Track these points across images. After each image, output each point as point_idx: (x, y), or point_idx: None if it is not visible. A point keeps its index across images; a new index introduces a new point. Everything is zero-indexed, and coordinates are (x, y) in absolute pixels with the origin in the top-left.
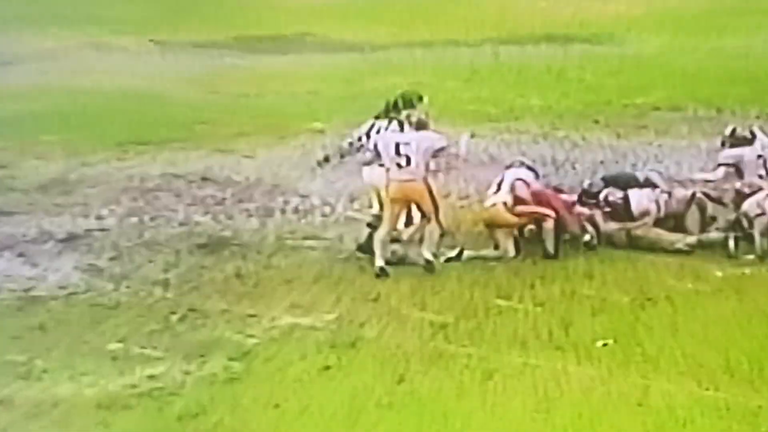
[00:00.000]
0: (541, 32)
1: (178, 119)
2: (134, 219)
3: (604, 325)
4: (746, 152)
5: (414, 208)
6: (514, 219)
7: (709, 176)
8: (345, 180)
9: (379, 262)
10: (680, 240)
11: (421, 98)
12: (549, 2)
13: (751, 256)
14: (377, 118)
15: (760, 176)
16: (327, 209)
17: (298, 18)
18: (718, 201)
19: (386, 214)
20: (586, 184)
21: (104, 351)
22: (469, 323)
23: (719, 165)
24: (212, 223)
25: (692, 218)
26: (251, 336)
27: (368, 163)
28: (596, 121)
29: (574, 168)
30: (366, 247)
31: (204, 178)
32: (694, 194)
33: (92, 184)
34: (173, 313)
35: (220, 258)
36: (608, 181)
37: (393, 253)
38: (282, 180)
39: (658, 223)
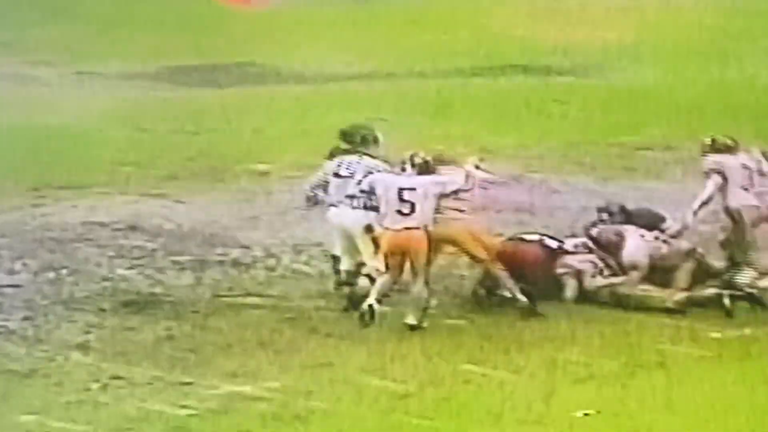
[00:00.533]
0: (519, 62)
1: (101, 160)
2: (51, 274)
3: (589, 395)
4: (730, 159)
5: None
6: (424, 247)
7: (703, 196)
8: (292, 228)
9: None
10: (670, 297)
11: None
12: (528, 29)
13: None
14: (343, 153)
15: (745, 188)
16: (272, 262)
17: (241, 46)
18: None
19: (382, 266)
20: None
21: (16, 424)
22: (435, 393)
23: (705, 173)
24: (140, 278)
25: (685, 271)
26: (185, 407)
27: (334, 204)
28: (580, 163)
29: (552, 216)
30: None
31: (131, 227)
32: (694, 249)
33: (3, 233)
34: (95, 381)
35: (149, 318)
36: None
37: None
38: (220, 229)
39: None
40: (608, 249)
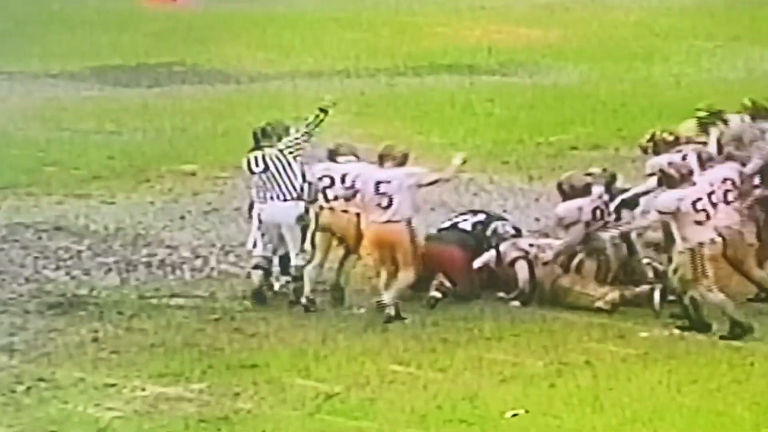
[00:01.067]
0: (443, 61)
1: (22, 161)
2: None
3: (515, 395)
4: (673, 158)
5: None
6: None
7: (641, 189)
8: (219, 229)
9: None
10: (603, 296)
11: (287, 129)
12: (450, 27)
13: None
14: (263, 147)
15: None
16: (198, 262)
17: (166, 46)
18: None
19: (370, 262)
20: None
21: None
22: (361, 393)
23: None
24: (65, 279)
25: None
26: (110, 409)
27: (262, 199)
28: (506, 162)
29: None
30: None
31: (56, 228)
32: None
33: None
34: (19, 383)
35: (74, 319)
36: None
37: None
38: (145, 229)
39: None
40: None
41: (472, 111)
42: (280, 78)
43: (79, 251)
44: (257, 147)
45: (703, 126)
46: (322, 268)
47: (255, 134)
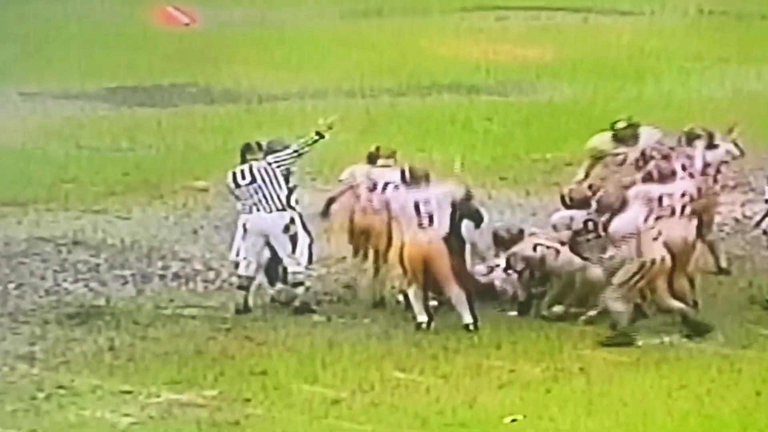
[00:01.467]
0: (444, 81)
1: (41, 177)
2: None
3: (513, 400)
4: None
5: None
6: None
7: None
8: (230, 243)
9: (421, 317)
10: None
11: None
12: (450, 48)
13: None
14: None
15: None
16: (211, 274)
17: (179, 67)
18: None
19: (409, 277)
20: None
21: None
22: (365, 398)
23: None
24: (83, 290)
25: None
26: (126, 415)
27: (248, 210)
28: (503, 178)
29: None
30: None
31: (75, 242)
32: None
33: None
34: (39, 390)
35: (91, 329)
36: None
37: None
38: (160, 243)
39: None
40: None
41: (471, 128)
42: (288, 97)
43: (97, 264)
44: (244, 161)
45: (620, 139)
46: (362, 269)
47: (242, 151)
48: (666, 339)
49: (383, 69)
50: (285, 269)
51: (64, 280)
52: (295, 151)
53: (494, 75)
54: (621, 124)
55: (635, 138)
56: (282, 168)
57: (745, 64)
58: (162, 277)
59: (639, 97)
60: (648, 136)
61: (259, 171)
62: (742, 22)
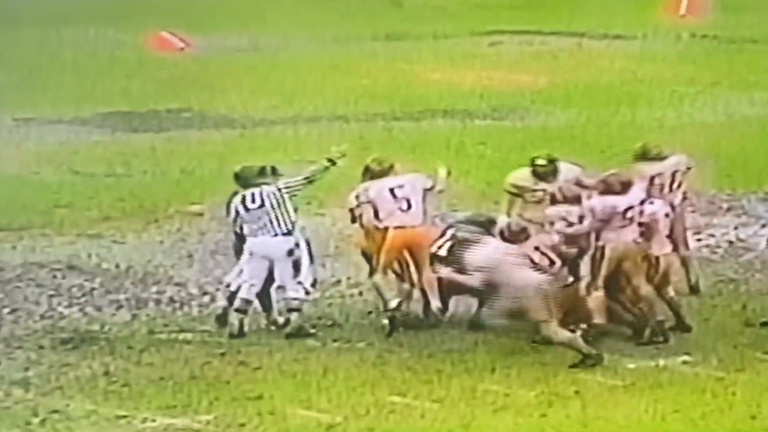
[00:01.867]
0: (438, 106)
1: (36, 202)
2: None
3: (508, 424)
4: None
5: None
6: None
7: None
8: (225, 267)
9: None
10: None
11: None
12: (445, 74)
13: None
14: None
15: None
16: (205, 299)
17: (173, 92)
18: None
19: (380, 266)
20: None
21: None
22: (361, 423)
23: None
24: (78, 315)
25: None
26: None
27: (254, 234)
28: (497, 202)
29: None
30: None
31: (70, 267)
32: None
33: None
34: (34, 415)
35: (86, 354)
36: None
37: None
38: (155, 267)
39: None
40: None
41: (465, 153)
42: (282, 123)
43: (92, 289)
44: (247, 186)
45: (539, 175)
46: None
47: (237, 175)
48: (661, 362)
49: (377, 94)
50: (275, 293)
51: (59, 305)
52: (306, 178)
53: (488, 100)
54: (540, 161)
55: (554, 174)
56: (291, 194)
57: (738, 88)
58: (157, 301)
59: (632, 121)
60: (567, 171)
61: (268, 195)
62: (734, 47)
